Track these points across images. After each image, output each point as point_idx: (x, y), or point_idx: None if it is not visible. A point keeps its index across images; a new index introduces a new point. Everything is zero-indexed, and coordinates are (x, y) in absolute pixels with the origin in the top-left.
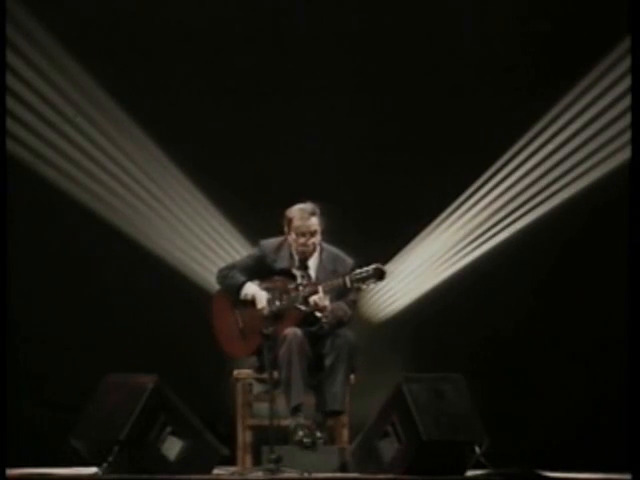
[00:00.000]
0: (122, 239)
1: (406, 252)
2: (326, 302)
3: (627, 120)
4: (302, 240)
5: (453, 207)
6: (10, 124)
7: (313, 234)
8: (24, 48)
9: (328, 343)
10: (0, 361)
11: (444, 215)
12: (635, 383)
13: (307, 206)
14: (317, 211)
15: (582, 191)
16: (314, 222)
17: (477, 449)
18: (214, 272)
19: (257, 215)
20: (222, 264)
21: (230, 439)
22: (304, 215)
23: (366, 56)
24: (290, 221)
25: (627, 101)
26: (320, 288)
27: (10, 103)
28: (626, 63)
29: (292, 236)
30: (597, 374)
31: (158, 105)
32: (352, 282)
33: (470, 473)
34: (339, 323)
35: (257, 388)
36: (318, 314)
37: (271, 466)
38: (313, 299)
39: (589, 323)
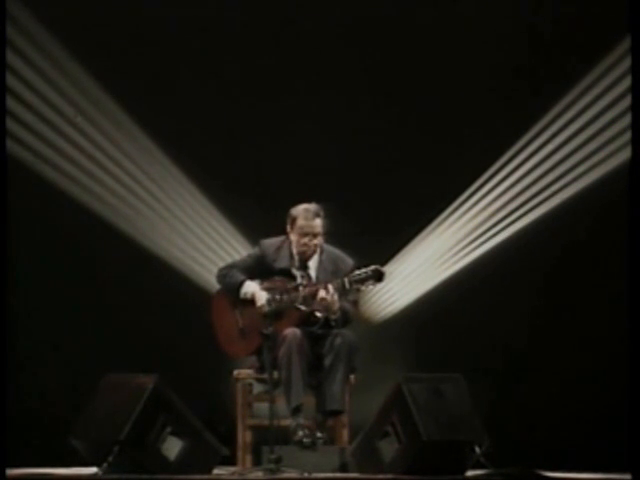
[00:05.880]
0: (122, 239)
1: (406, 252)
2: (336, 299)
3: (627, 120)
4: (304, 240)
5: (453, 207)
6: (10, 124)
7: (316, 235)
8: (24, 48)
9: (327, 343)
10: (0, 361)
11: (444, 215)
12: (635, 383)
13: (312, 207)
14: (321, 213)
15: (582, 191)
16: (318, 223)
17: (477, 449)
18: (214, 272)
19: (257, 215)
20: (222, 264)
21: (230, 439)
22: (308, 216)
23: (369, 56)
24: (294, 220)
25: (627, 101)
26: (330, 286)
27: (10, 103)
28: (626, 63)
29: (294, 235)
30: (597, 374)
31: (158, 105)
32: (351, 283)
33: (470, 473)
34: (346, 321)
35: (257, 388)
36: (323, 314)
37: (271, 466)
38: (320, 295)
39: (589, 323)
